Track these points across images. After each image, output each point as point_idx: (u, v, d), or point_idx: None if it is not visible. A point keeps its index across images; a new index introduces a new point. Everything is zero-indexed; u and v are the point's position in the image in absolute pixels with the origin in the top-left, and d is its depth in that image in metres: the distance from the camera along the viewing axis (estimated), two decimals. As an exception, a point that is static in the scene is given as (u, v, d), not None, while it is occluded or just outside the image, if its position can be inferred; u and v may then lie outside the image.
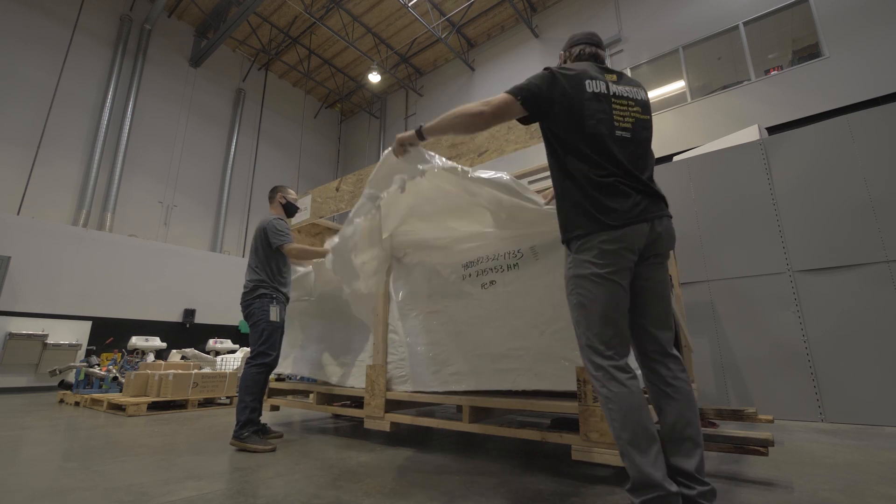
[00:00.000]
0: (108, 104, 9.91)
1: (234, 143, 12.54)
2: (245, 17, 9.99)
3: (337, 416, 4.11)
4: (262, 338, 2.91)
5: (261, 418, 2.97)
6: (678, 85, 8.76)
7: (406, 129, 13.96)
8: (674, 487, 1.31)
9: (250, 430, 2.72)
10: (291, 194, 3.41)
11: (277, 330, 2.99)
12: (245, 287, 3.07)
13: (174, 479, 2.00)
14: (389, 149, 2.07)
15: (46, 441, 2.91)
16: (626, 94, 1.64)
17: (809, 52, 7.46)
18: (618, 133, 1.56)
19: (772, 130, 6.77)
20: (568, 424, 2.15)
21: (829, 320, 3.74)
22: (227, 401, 5.12)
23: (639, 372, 1.60)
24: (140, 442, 2.89)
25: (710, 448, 2.11)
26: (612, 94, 1.61)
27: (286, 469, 2.18)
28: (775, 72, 7.64)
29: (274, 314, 2.97)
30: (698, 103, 8.24)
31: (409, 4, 10.65)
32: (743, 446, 2.09)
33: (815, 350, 3.76)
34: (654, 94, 9.18)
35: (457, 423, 2.39)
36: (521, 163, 3.82)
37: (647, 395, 1.55)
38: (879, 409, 3.42)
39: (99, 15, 10.37)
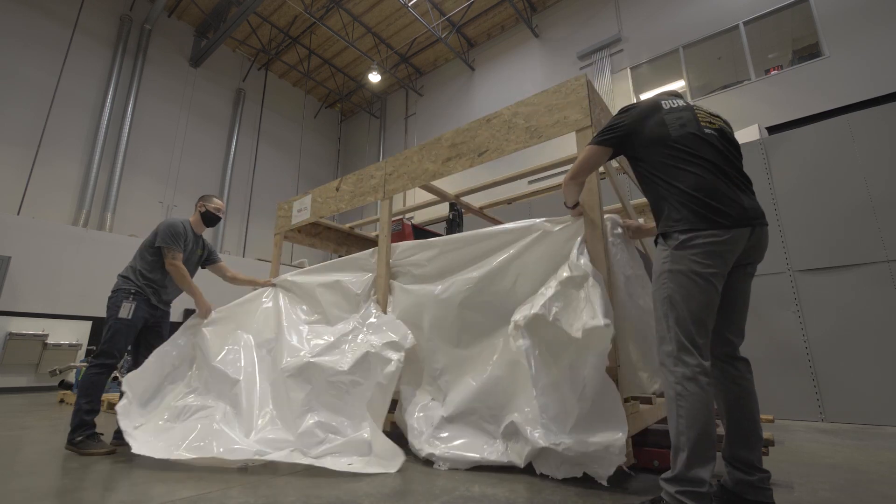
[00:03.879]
0: (108, 104, 9.90)
1: (234, 143, 12.54)
2: (245, 17, 9.99)
3: (337, 416, 4.10)
4: (107, 335, 2.69)
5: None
6: (678, 84, 8.76)
7: (406, 130, 14.09)
8: (712, 488, 1.36)
9: (84, 434, 2.55)
10: (214, 203, 3.12)
11: (128, 328, 2.73)
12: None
13: (174, 479, 2.00)
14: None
15: (46, 441, 2.90)
16: (703, 106, 1.75)
17: (809, 52, 7.46)
18: (707, 131, 1.61)
19: (772, 130, 6.77)
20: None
21: (829, 320, 3.74)
22: (228, 401, 5.11)
23: None
24: (140, 442, 2.88)
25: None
26: (691, 105, 1.71)
27: (286, 469, 2.18)
28: (775, 71, 7.64)
29: (125, 311, 2.70)
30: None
31: (409, 4, 10.64)
32: (743, 446, 2.09)
33: (815, 350, 3.75)
34: (654, 94, 9.18)
35: (457, 422, 2.38)
36: (521, 163, 3.83)
37: None
38: (879, 408, 3.42)
39: (99, 15, 10.37)
